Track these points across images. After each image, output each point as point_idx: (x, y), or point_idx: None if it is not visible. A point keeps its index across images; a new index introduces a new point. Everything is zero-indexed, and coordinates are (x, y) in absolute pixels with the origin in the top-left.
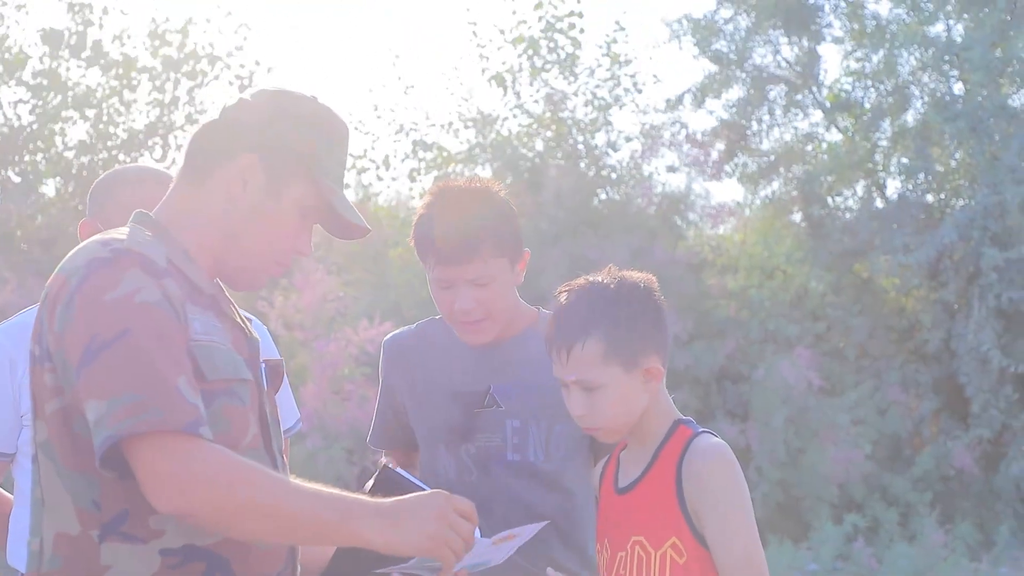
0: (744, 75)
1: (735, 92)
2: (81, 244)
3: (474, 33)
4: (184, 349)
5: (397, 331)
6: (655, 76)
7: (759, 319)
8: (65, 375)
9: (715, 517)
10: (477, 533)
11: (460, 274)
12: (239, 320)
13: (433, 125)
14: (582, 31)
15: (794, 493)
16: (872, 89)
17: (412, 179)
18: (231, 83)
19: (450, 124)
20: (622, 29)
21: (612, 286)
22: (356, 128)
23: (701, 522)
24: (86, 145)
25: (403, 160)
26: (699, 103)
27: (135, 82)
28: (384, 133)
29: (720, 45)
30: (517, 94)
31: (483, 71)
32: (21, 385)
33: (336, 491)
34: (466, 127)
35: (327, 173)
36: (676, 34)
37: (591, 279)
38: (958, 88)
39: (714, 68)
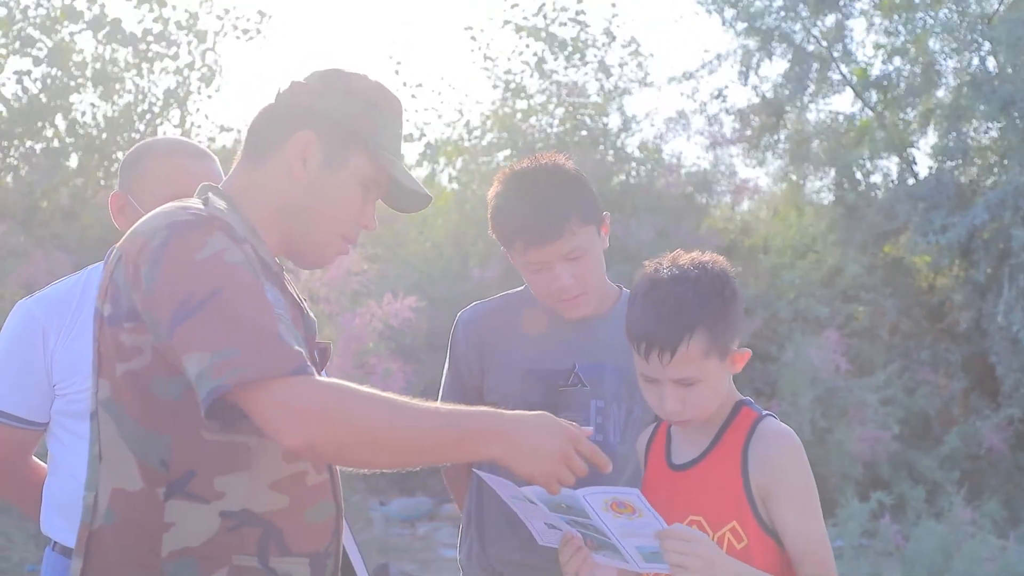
0: (776, 50)
1: (766, 69)
2: (154, 211)
3: (473, 38)
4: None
5: (473, 307)
6: (675, 46)
7: (788, 298)
8: (156, 333)
9: (791, 505)
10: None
11: (554, 252)
12: (298, 299)
13: (448, 124)
14: (583, 12)
15: (820, 471)
16: (903, 68)
17: (423, 160)
18: (238, 38)
19: (464, 122)
20: (617, 16)
21: (702, 279)
22: None
23: (768, 508)
24: (109, 120)
25: (419, 164)
26: (722, 75)
27: (150, 54)
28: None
29: (748, 20)
30: (523, 88)
31: (486, 68)
32: (53, 355)
33: (451, 407)
34: (483, 125)
35: (384, 146)
36: (707, 9)
37: (668, 272)
38: (991, 65)
39: (747, 43)
